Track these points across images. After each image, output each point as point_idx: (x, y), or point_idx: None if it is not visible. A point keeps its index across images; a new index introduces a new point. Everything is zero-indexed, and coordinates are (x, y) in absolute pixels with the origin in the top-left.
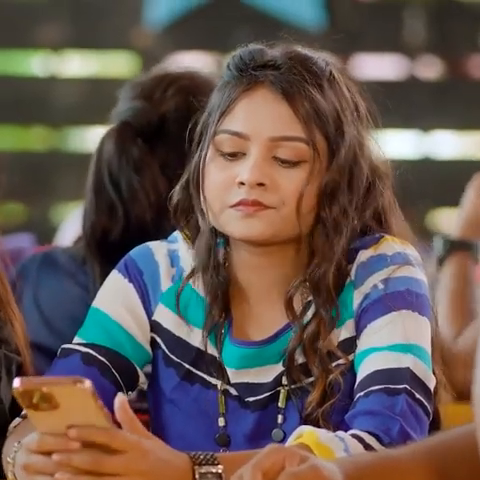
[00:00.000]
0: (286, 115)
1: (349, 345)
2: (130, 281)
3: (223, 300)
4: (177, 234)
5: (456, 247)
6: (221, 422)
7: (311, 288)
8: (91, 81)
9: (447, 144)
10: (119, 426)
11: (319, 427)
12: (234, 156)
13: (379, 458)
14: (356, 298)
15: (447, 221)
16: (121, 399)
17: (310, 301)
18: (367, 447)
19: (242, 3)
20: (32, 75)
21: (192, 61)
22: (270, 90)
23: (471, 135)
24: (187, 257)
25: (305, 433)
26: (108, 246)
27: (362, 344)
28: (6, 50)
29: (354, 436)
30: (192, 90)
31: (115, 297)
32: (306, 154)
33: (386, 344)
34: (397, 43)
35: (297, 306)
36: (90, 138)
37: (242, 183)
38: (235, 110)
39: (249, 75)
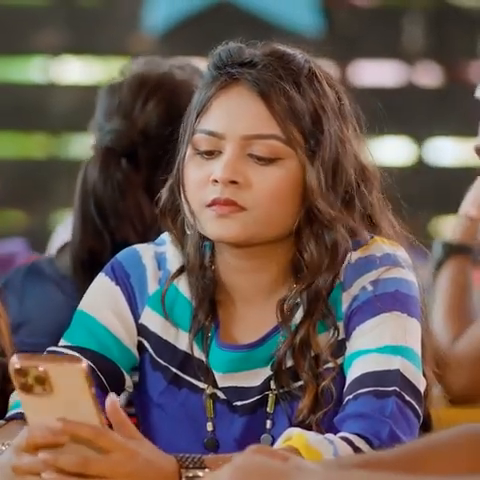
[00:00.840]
0: (261, 113)
1: (339, 347)
2: (117, 284)
3: (209, 303)
4: (165, 236)
5: (455, 251)
6: (209, 427)
7: (306, 295)
8: (90, 87)
9: (445, 151)
10: (110, 426)
11: (310, 430)
12: (211, 154)
13: (364, 460)
14: (345, 300)
15: (444, 228)
16: (112, 400)
17: (298, 303)
18: (356, 450)
19: (240, 9)
20: (31, 82)
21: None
22: (246, 88)
23: (470, 142)
24: (174, 260)
25: (294, 436)
26: (96, 269)
27: (351, 346)
28: (5, 56)
29: (343, 439)
30: (173, 99)
31: (101, 300)
32: (282, 151)
33: (375, 346)
34: (396, 49)
35: (285, 309)
36: (90, 145)
37: (216, 181)
38: (211, 109)
39: (226, 73)
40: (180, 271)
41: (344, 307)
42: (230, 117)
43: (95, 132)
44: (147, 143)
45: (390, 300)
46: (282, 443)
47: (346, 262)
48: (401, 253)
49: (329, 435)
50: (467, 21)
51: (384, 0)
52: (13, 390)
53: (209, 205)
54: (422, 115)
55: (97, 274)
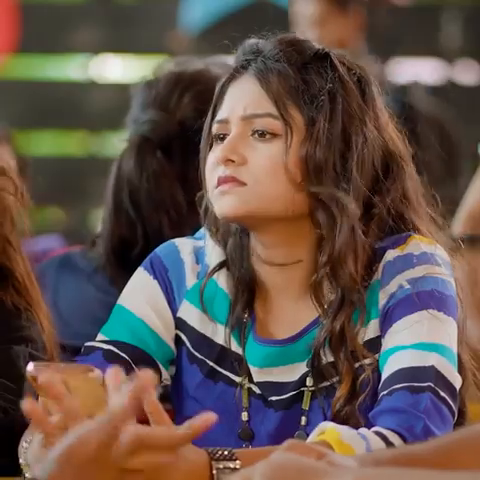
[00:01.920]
0: (257, 93)
1: (374, 345)
2: (155, 278)
3: (247, 296)
4: (204, 230)
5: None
6: (244, 417)
7: (332, 273)
8: (128, 85)
9: None
10: (145, 421)
11: (347, 424)
12: (223, 139)
13: (398, 455)
14: (382, 298)
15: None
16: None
17: (333, 300)
18: (389, 445)
19: (277, 7)
20: (70, 80)
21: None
22: (249, 75)
23: None
24: (213, 254)
25: (327, 430)
26: (127, 260)
27: (387, 343)
28: (45, 55)
29: (377, 433)
30: (207, 94)
31: (140, 294)
32: (279, 128)
33: (411, 343)
34: (434, 47)
35: (324, 301)
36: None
37: (218, 162)
38: (223, 101)
39: (237, 66)
40: (220, 266)
41: (381, 304)
42: (233, 102)
43: (130, 125)
44: (182, 135)
45: (427, 298)
46: (315, 437)
47: (385, 260)
48: (439, 251)
49: (362, 430)
50: None
51: None
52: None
53: (217, 186)
54: (461, 113)
55: (128, 266)
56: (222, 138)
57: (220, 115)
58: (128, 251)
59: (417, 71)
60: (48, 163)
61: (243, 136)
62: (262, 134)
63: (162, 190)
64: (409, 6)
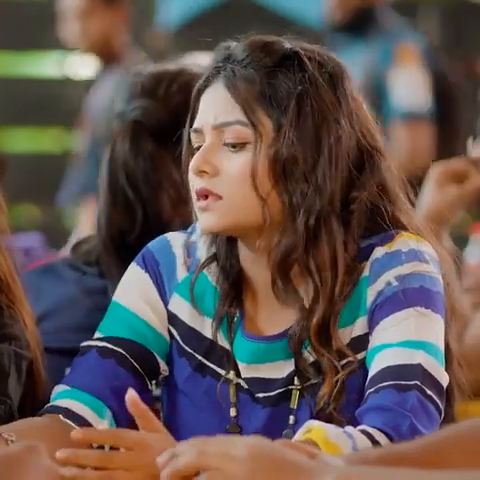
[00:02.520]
0: (225, 102)
1: (362, 342)
2: (146, 271)
3: (235, 293)
4: (196, 225)
5: None
6: (232, 412)
7: (308, 272)
8: None
9: None
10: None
11: (332, 421)
12: (198, 150)
13: (386, 453)
14: (370, 295)
15: None
16: (131, 395)
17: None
18: (375, 444)
19: (254, 4)
20: (46, 77)
21: (203, 62)
22: (218, 82)
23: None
24: (204, 248)
25: (313, 429)
26: (125, 247)
27: (374, 340)
28: (21, 52)
29: (363, 432)
30: (193, 85)
31: (133, 289)
32: (248, 136)
33: (398, 340)
34: None
35: (306, 298)
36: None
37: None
38: (198, 108)
39: (209, 72)
40: (210, 260)
41: (369, 302)
42: (205, 111)
43: (116, 118)
44: (173, 122)
45: (414, 295)
46: (301, 436)
47: (373, 257)
48: (427, 248)
49: (348, 428)
50: None
51: None
52: (42, 391)
53: (197, 199)
54: None
55: (126, 253)
56: (198, 148)
57: (195, 124)
58: (127, 236)
59: None
60: (24, 160)
61: (216, 146)
62: (233, 145)
63: (159, 170)
64: (386, 2)
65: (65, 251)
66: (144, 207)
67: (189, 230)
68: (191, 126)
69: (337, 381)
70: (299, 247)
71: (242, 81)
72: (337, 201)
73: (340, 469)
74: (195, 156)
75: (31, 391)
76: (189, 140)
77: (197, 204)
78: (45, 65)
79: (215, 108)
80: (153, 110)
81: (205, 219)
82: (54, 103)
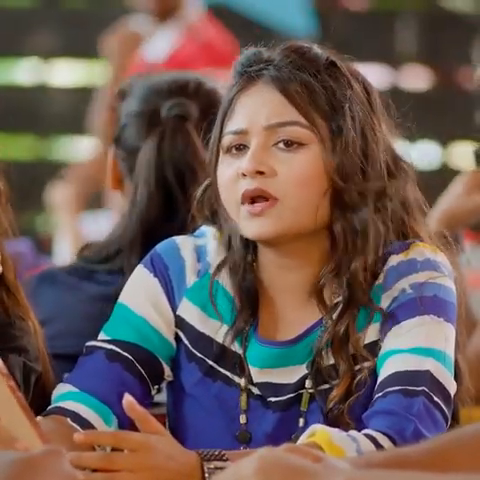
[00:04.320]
0: (279, 102)
1: (374, 348)
2: (155, 276)
3: (250, 299)
4: (205, 229)
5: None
6: (242, 419)
7: (339, 280)
8: (79, 90)
9: (432, 155)
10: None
11: (340, 423)
12: (239, 150)
13: (391, 456)
14: (384, 302)
15: None
16: (128, 400)
17: (338, 302)
18: (379, 447)
19: (232, 12)
20: (20, 84)
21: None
22: (264, 84)
23: (459, 146)
24: (215, 253)
25: (318, 432)
26: (153, 243)
27: (385, 346)
28: None
29: (367, 436)
30: (216, 99)
31: (140, 292)
32: (306, 137)
33: (408, 347)
34: (388, 53)
35: (327, 304)
36: (78, 147)
37: (244, 174)
38: (235, 111)
39: (246, 76)
40: (222, 265)
41: (383, 308)
42: (251, 112)
43: (142, 116)
44: (204, 119)
45: (428, 304)
46: (306, 439)
47: (388, 265)
48: (441, 259)
49: (353, 432)
50: (459, 25)
51: (377, 3)
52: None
53: (243, 202)
54: (411, 118)
55: (149, 250)
56: (239, 149)
57: (235, 126)
58: (160, 232)
59: (371, 77)
60: None
61: (266, 147)
62: (288, 143)
63: (204, 168)
64: (363, 11)
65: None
66: (188, 205)
67: (197, 234)
68: (221, 130)
69: (349, 384)
70: (352, 253)
71: (295, 82)
72: (373, 207)
73: (347, 473)
74: (247, 157)
75: (40, 404)
76: (218, 146)
77: (247, 208)
78: (19, 72)
79: (265, 108)
80: (191, 107)
81: (260, 225)
82: (28, 110)
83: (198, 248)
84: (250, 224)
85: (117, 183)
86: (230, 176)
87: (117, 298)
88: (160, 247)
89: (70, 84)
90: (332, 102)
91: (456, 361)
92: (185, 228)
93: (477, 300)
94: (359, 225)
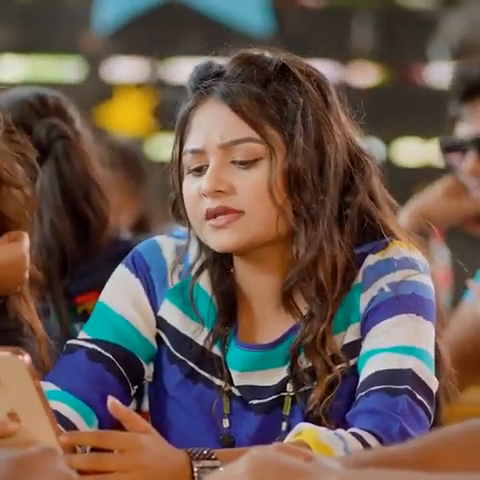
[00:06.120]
0: (231, 119)
1: (354, 348)
2: (137, 276)
3: (229, 302)
4: (185, 230)
5: None
6: (225, 423)
7: (302, 282)
8: (40, 86)
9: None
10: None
11: (321, 425)
12: (200, 170)
13: (380, 455)
14: (363, 301)
15: None
16: (112, 402)
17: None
18: (366, 446)
19: (190, 9)
20: None
21: (132, 67)
22: (215, 100)
23: (403, 143)
24: (196, 254)
25: (305, 430)
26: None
27: (366, 345)
28: None
29: (354, 434)
30: None
31: (122, 292)
32: (260, 151)
33: (389, 346)
34: (344, 50)
35: (302, 308)
36: None
37: (204, 194)
38: (192, 128)
39: (198, 91)
40: (201, 269)
41: (362, 308)
42: (206, 131)
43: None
44: None
45: (406, 302)
46: (293, 437)
47: (365, 264)
48: (418, 257)
49: (339, 431)
50: (415, 22)
51: (333, 1)
52: None
53: (207, 218)
54: (361, 115)
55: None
56: (198, 170)
57: (192, 144)
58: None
59: (326, 73)
60: None
61: (224, 164)
62: (243, 162)
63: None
64: (319, 8)
65: None
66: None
67: (178, 233)
68: (181, 146)
69: (328, 384)
70: (315, 257)
71: (244, 96)
72: (336, 208)
73: (340, 473)
74: (206, 177)
75: None
76: (179, 163)
77: (211, 223)
78: None
79: (218, 126)
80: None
81: (225, 237)
82: None
83: (179, 249)
84: (215, 237)
85: None
86: (193, 194)
87: None
88: (141, 247)
89: (28, 80)
90: (283, 111)
91: (437, 356)
92: (100, 243)
93: (443, 298)
94: (320, 228)
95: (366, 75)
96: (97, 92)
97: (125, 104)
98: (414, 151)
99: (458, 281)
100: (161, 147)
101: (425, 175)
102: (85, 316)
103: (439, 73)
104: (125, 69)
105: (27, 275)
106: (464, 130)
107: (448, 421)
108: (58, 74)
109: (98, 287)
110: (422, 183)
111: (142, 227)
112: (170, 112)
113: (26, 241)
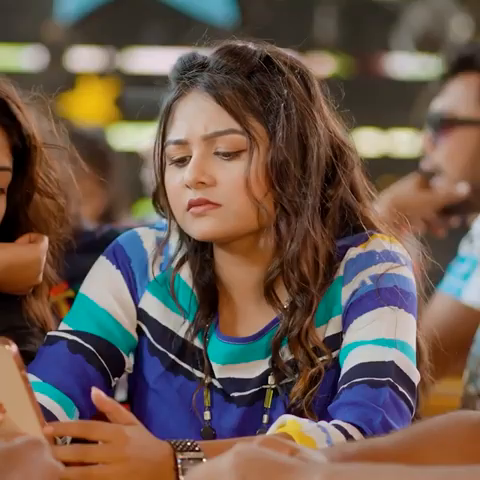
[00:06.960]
0: (214, 110)
1: (336, 341)
2: (118, 268)
3: (210, 295)
4: (166, 222)
5: None
6: (206, 416)
7: (285, 274)
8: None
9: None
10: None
11: (303, 417)
12: (183, 161)
13: (365, 448)
14: (344, 294)
15: None
16: (95, 393)
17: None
18: (349, 438)
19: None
20: None
21: (94, 56)
22: (198, 91)
23: (364, 132)
24: (177, 246)
25: (288, 422)
26: None
27: (348, 338)
28: None
29: (336, 426)
30: None
31: (103, 284)
32: (243, 143)
33: (371, 338)
34: (309, 40)
35: (283, 300)
36: None
37: (187, 185)
38: (175, 119)
39: (181, 82)
40: (182, 261)
41: (343, 301)
42: (189, 122)
43: None
44: None
45: (388, 295)
46: (276, 429)
47: (347, 257)
48: (399, 249)
49: (322, 422)
50: (379, 12)
51: None
52: None
53: (188, 209)
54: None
55: None
56: (181, 160)
57: (176, 135)
58: None
59: None
60: None
61: (207, 156)
62: (227, 154)
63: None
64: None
65: None
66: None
67: (158, 225)
68: (163, 139)
69: (311, 378)
70: (298, 250)
71: (228, 88)
72: (318, 200)
73: (325, 468)
74: (188, 168)
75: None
76: (161, 154)
77: (191, 211)
78: None
79: (202, 117)
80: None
81: (204, 225)
82: None
83: (160, 241)
84: (194, 225)
85: None
86: (176, 185)
87: None
88: (122, 238)
89: None
90: (267, 103)
91: (417, 351)
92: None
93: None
94: (303, 221)
95: (327, 65)
96: (59, 81)
97: (87, 93)
98: (374, 141)
99: (429, 273)
100: (123, 137)
101: (385, 165)
102: (54, 310)
103: (401, 63)
104: (87, 58)
105: (40, 278)
106: (437, 105)
107: (422, 413)
108: (19, 63)
109: (66, 280)
110: (382, 174)
111: (108, 217)
112: (132, 102)
113: (44, 244)
